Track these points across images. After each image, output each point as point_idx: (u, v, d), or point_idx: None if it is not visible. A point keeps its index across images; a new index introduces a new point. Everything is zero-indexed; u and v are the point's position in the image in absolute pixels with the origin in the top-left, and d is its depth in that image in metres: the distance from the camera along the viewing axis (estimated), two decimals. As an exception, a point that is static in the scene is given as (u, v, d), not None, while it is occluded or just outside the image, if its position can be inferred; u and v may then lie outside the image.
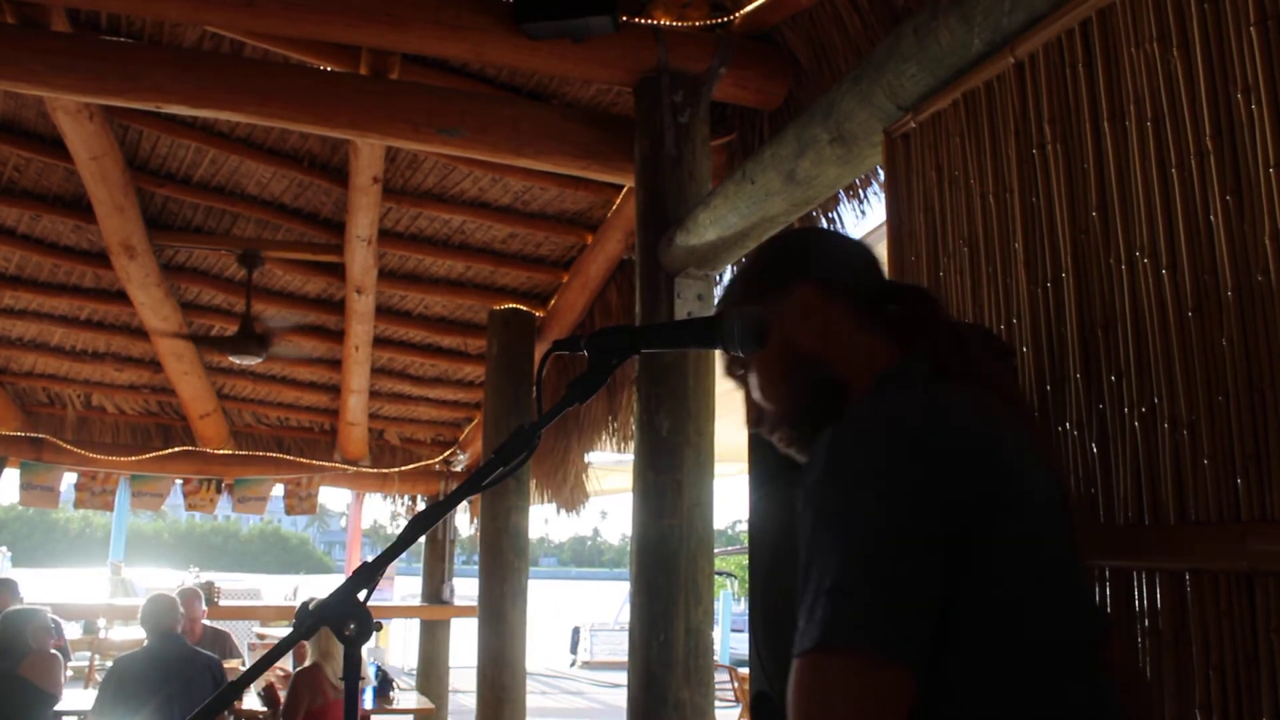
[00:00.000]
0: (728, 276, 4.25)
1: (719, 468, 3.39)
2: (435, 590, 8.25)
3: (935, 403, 1.05)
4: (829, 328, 1.18)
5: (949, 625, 0.93)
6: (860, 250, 1.30)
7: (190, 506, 7.87)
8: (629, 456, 4.63)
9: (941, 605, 0.93)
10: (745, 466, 1.92)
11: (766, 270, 1.25)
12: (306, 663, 4.68)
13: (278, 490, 7.91)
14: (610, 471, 7.32)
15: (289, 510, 7.99)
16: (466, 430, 7.95)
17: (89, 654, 8.99)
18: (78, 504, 7.68)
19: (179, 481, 7.73)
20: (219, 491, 7.78)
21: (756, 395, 1.23)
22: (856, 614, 0.90)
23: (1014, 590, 0.96)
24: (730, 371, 1.28)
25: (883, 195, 2.24)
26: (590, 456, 7.11)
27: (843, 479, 0.97)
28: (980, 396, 1.10)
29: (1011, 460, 1.02)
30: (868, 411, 1.05)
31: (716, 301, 1.32)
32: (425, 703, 6.21)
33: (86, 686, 7.71)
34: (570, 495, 7.22)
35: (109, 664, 5.20)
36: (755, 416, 1.25)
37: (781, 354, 1.19)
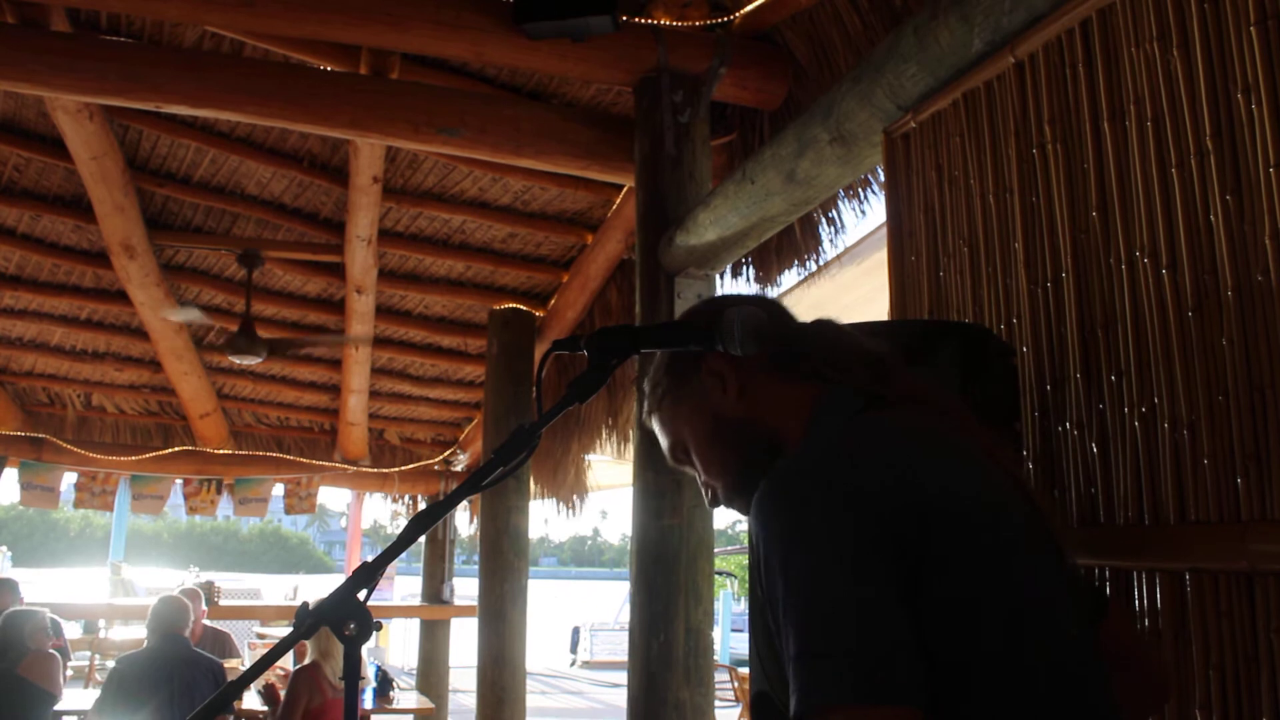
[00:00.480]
0: (737, 272, 4.26)
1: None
2: (435, 590, 8.25)
3: (857, 439, 1.04)
4: (747, 388, 1.19)
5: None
6: (756, 302, 1.28)
7: (191, 510, 7.86)
8: (628, 461, 4.63)
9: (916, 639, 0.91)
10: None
11: (675, 358, 1.25)
12: (306, 661, 4.68)
13: (278, 490, 7.91)
14: (611, 465, 7.31)
15: (289, 510, 7.99)
16: (466, 430, 7.95)
17: (89, 654, 9.00)
18: (78, 504, 7.67)
19: (179, 482, 7.72)
20: (219, 493, 7.78)
21: (703, 479, 1.25)
22: (832, 673, 0.88)
23: (986, 617, 0.94)
24: (675, 462, 1.29)
25: (883, 195, 2.24)
26: (590, 458, 7.11)
27: (781, 538, 0.96)
28: (908, 417, 1.08)
29: (950, 478, 1.00)
30: (791, 465, 1.04)
31: (643, 412, 1.32)
32: (425, 703, 6.21)
33: (86, 686, 7.72)
34: (570, 492, 7.22)
35: (109, 664, 5.20)
36: (711, 497, 1.26)
37: (712, 429, 1.21)
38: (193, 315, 6.09)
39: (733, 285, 4.21)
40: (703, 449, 1.23)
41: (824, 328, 1.24)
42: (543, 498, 7.31)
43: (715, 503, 1.26)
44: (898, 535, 0.93)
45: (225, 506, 7.97)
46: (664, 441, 1.29)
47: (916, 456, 1.01)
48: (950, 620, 0.93)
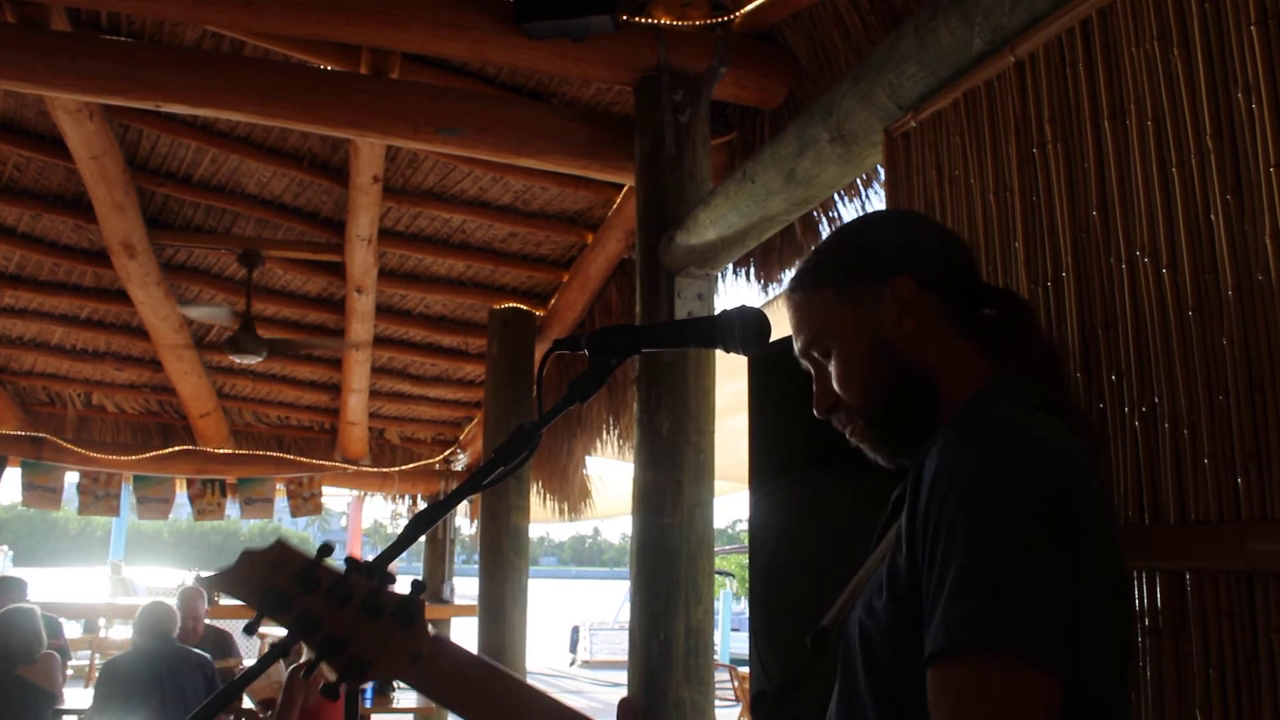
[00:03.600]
0: (737, 271, 4.25)
1: (721, 484, 3.39)
2: (435, 589, 8.26)
3: (1054, 436, 1.00)
4: (923, 328, 1.13)
5: None
6: (957, 244, 1.25)
7: (199, 514, 7.85)
8: (629, 465, 4.62)
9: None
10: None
11: (862, 256, 1.18)
12: (303, 660, 4.68)
13: (283, 491, 7.90)
14: (613, 477, 7.30)
15: (295, 512, 7.97)
16: (467, 430, 7.95)
17: (89, 653, 9.00)
18: (81, 509, 7.64)
19: (183, 489, 7.70)
20: (224, 495, 7.77)
21: (836, 384, 1.17)
22: (1009, 614, 0.85)
23: (1102, 612, 0.95)
24: (804, 354, 1.21)
25: (883, 195, 2.24)
26: (592, 464, 7.10)
27: (997, 474, 0.92)
28: (1078, 432, 1.06)
29: (1104, 520, 1.00)
30: (992, 422, 1.00)
31: (798, 275, 1.23)
32: (426, 702, 6.21)
33: (86, 686, 7.72)
34: (574, 500, 7.22)
35: (106, 662, 5.20)
36: (828, 404, 1.19)
37: (871, 348, 1.14)
38: (211, 313, 6.07)
39: (733, 285, 4.21)
40: (850, 364, 1.15)
41: (1014, 300, 1.20)
42: (544, 505, 7.30)
43: (829, 412, 1.19)
44: (1070, 517, 0.92)
45: (231, 508, 7.96)
46: (801, 331, 1.21)
47: (1083, 472, 0.98)
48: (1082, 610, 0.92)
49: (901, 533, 0.98)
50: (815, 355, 1.19)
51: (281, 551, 1.05)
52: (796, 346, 1.21)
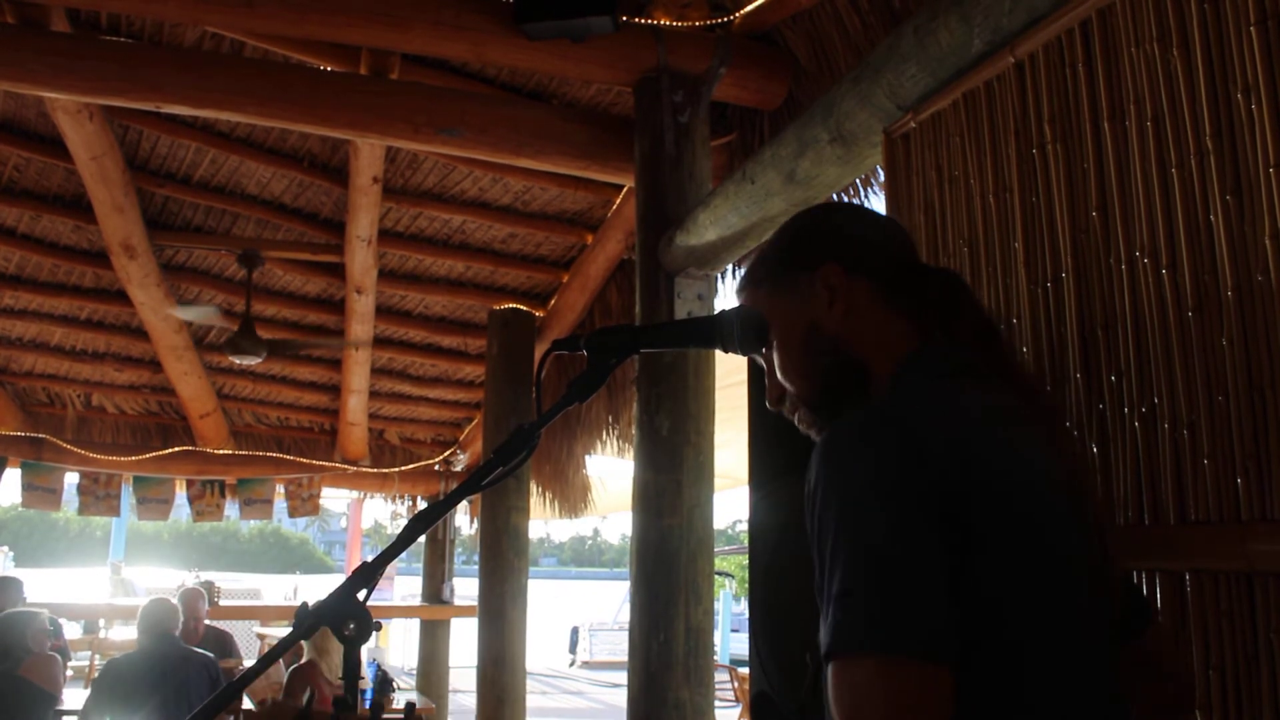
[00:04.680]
0: (737, 271, 4.25)
1: (720, 482, 3.39)
2: (435, 590, 8.25)
3: (944, 402, 1.03)
4: (852, 310, 1.16)
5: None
6: (888, 227, 1.27)
7: (198, 516, 7.84)
8: (629, 466, 4.62)
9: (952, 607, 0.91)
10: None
11: (791, 249, 1.22)
12: (303, 660, 4.68)
13: (283, 492, 7.89)
14: (613, 478, 7.30)
15: (292, 513, 7.97)
16: (466, 430, 7.95)
17: (89, 654, 8.99)
18: (82, 510, 7.63)
19: (183, 490, 7.70)
20: (223, 496, 7.76)
21: (779, 375, 1.21)
22: (867, 617, 0.88)
23: (1011, 604, 0.95)
24: (754, 350, 1.25)
25: (883, 195, 2.24)
26: (592, 464, 7.10)
27: (845, 481, 0.96)
28: (998, 395, 1.07)
29: (1006, 462, 1.00)
30: (873, 412, 1.03)
31: (740, 277, 1.27)
32: (425, 703, 6.21)
33: (87, 686, 7.72)
34: (573, 501, 7.22)
35: (107, 662, 5.20)
36: (776, 396, 1.23)
37: (804, 336, 1.18)
38: (200, 313, 6.07)
39: (733, 286, 4.21)
40: (788, 353, 1.20)
41: (951, 278, 1.22)
42: (544, 506, 7.29)
43: (777, 403, 1.23)
44: (947, 508, 0.93)
45: (230, 509, 7.96)
46: None
47: (981, 435, 1.01)
48: (979, 601, 0.93)
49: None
50: (763, 350, 1.23)
51: (274, 710, 1.10)
52: (744, 346, 1.24)
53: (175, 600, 5.14)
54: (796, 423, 1.22)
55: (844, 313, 1.16)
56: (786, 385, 1.21)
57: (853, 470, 0.96)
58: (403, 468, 8.02)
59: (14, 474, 7.22)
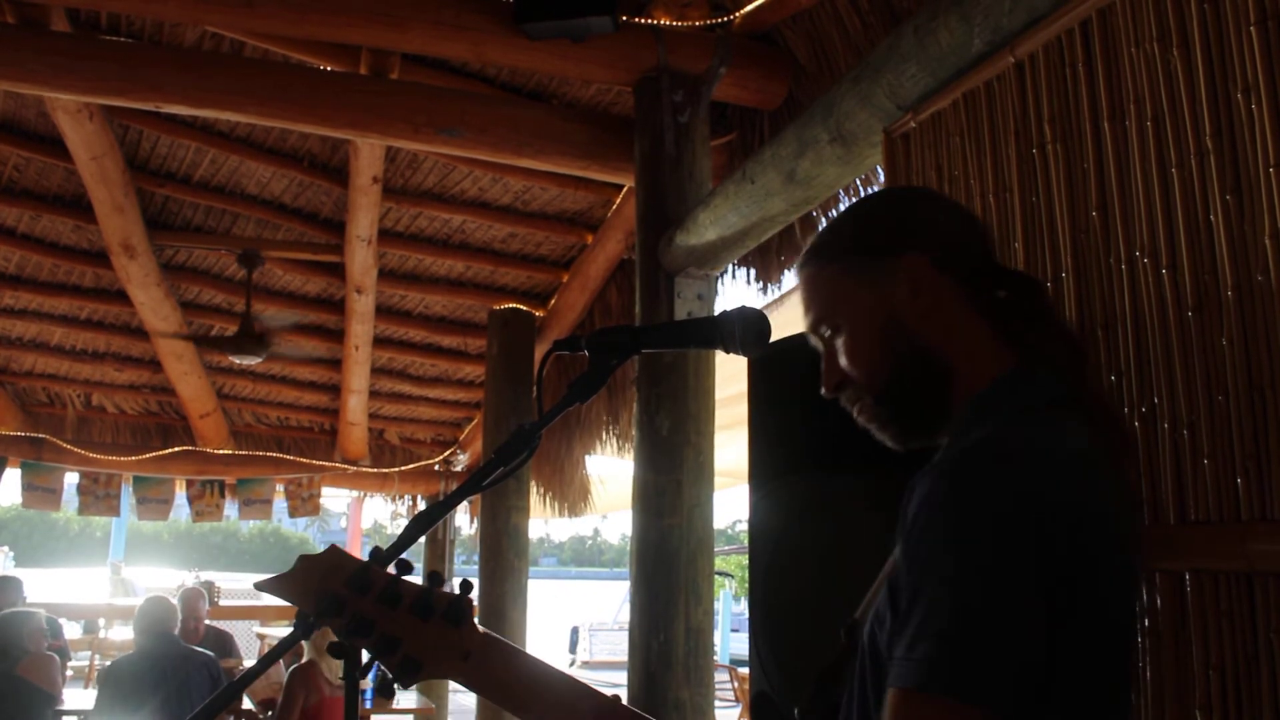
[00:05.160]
0: (737, 271, 4.25)
1: (720, 480, 3.39)
2: (435, 590, 8.24)
3: (1056, 448, 0.99)
4: (938, 307, 1.10)
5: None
6: (973, 221, 1.21)
7: (198, 516, 7.84)
8: (629, 466, 4.61)
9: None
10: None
11: (875, 231, 1.15)
12: (303, 660, 4.68)
13: (282, 492, 7.89)
14: (613, 478, 7.30)
15: (292, 513, 7.97)
16: (466, 430, 7.95)
17: (89, 654, 8.99)
18: (82, 510, 7.63)
19: (182, 490, 7.70)
20: (223, 496, 7.76)
21: (844, 361, 1.13)
22: (966, 665, 0.86)
23: (1071, 679, 0.94)
24: (813, 330, 1.17)
25: (883, 195, 2.24)
26: (592, 464, 7.10)
27: (973, 514, 0.92)
28: (1090, 435, 1.02)
29: (1120, 530, 0.98)
30: (987, 455, 0.98)
31: (806, 251, 1.19)
32: (425, 703, 6.21)
33: (87, 686, 7.71)
34: (573, 501, 7.22)
35: (109, 664, 5.20)
36: (835, 382, 1.15)
37: (882, 327, 1.11)
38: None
39: (733, 285, 4.22)
40: (859, 341, 1.12)
41: (1030, 283, 1.16)
42: (545, 505, 7.29)
43: (836, 390, 1.15)
44: (1058, 571, 0.91)
45: (230, 509, 7.95)
46: (810, 307, 1.17)
47: (1084, 490, 0.97)
48: (1077, 651, 0.92)
49: (899, 548, 0.98)
50: (824, 332, 1.16)
51: (335, 556, 1.09)
52: (805, 322, 1.18)
53: (174, 600, 5.14)
54: (856, 415, 1.16)
55: (928, 309, 1.10)
56: (852, 373, 1.13)
57: (983, 506, 0.92)
58: (403, 468, 8.02)
59: (14, 474, 7.22)
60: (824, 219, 3.86)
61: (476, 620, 1.10)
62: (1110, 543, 0.96)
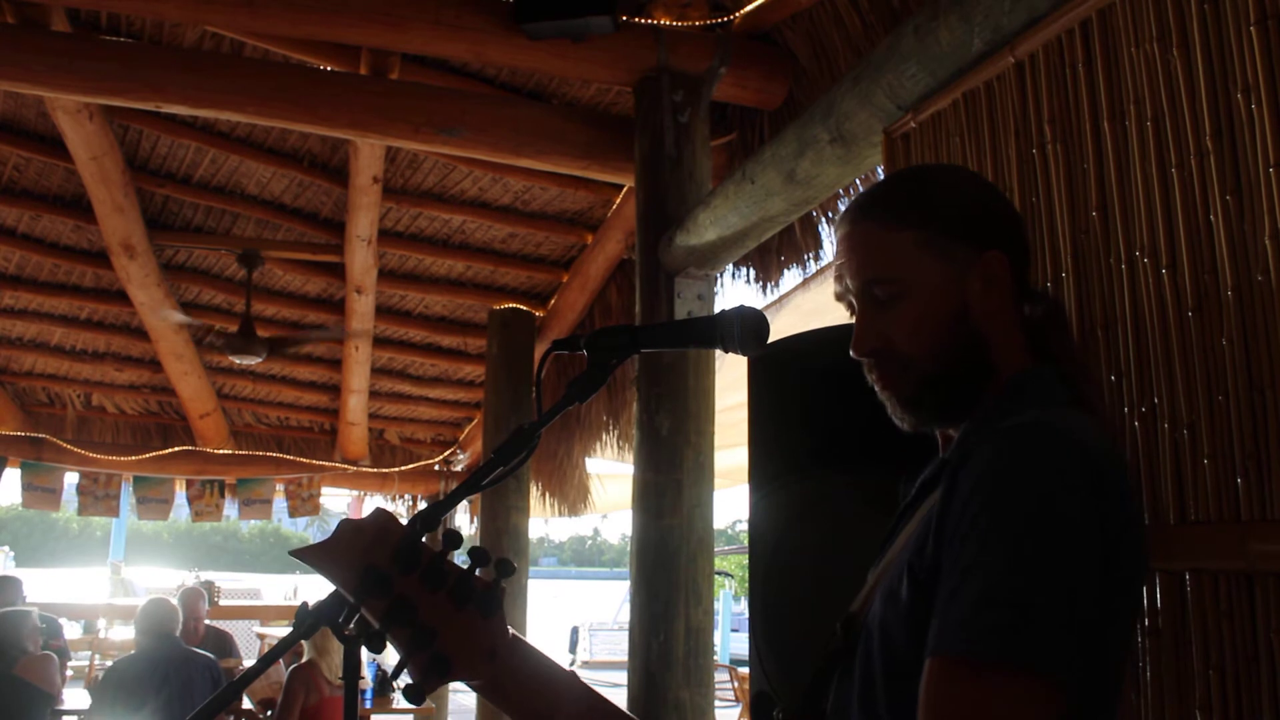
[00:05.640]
0: (737, 272, 4.25)
1: (720, 480, 3.39)
2: (435, 590, 8.24)
3: (1085, 429, 1.00)
4: (1003, 309, 1.11)
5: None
6: (1023, 226, 1.20)
7: (197, 516, 7.84)
8: (629, 466, 4.61)
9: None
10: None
11: (972, 216, 1.12)
12: (303, 660, 4.68)
13: (282, 492, 7.89)
14: (613, 478, 7.30)
15: (292, 513, 7.97)
16: (466, 430, 7.95)
17: (89, 654, 8.99)
18: (81, 510, 7.63)
19: (182, 490, 7.70)
20: (222, 496, 7.76)
21: (901, 331, 1.10)
22: (1039, 632, 0.85)
23: (1117, 629, 0.95)
24: (862, 288, 1.12)
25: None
26: (592, 464, 7.10)
27: (1036, 491, 0.91)
28: (1104, 424, 1.06)
29: (1131, 501, 1.00)
30: (1050, 429, 0.98)
31: (870, 198, 1.15)
32: (425, 703, 6.20)
33: (86, 686, 7.71)
34: (573, 501, 7.22)
35: (109, 664, 5.20)
36: (872, 347, 1.12)
37: (952, 314, 1.09)
38: (181, 318, 6.09)
39: (733, 285, 4.22)
40: (927, 318, 1.09)
41: (1054, 303, 1.18)
42: (545, 505, 7.29)
43: (867, 354, 1.12)
44: (1108, 534, 0.92)
45: (230, 509, 7.96)
46: (866, 264, 1.11)
47: (1119, 468, 0.99)
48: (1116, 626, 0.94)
49: (932, 523, 0.97)
50: (876, 291, 1.11)
51: (384, 521, 0.97)
52: (849, 278, 1.13)
53: (175, 600, 5.14)
54: (878, 387, 1.14)
55: (996, 309, 1.10)
56: (906, 346, 1.10)
57: (1048, 481, 0.91)
58: (403, 468, 8.03)
59: (14, 474, 7.22)
60: (824, 219, 3.86)
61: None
62: (1141, 527, 0.98)
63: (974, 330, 1.10)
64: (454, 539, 0.98)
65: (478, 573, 0.98)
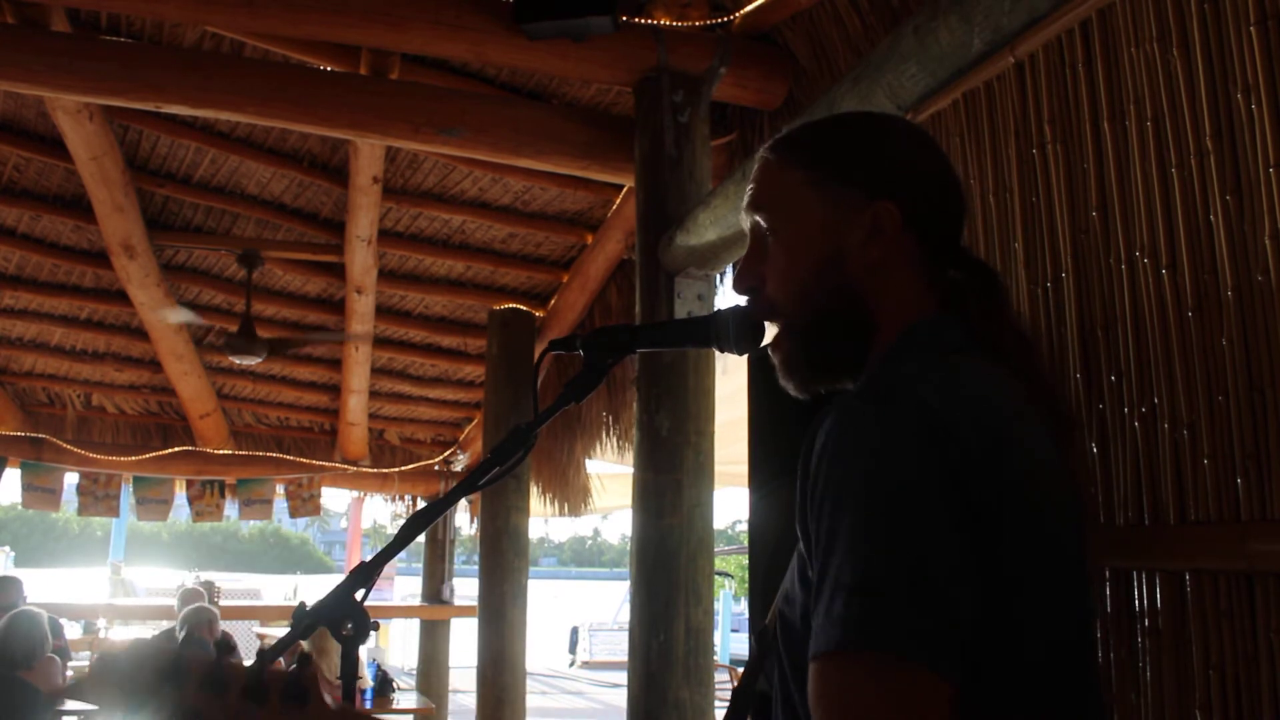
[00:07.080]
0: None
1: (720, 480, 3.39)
2: (435, 590, 8.25)
3: (955, 380, 0.92)
4: (885, 264, 1.03)
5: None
6: (957, 190, 1.12)
7: (198, 516, 7.84)
8: (629, 466, 4.61)
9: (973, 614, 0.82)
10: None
11: (860, 163, 1.06)
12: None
13: (282, 493, 7.89)
14: (613, 478, 7.31)
15: (293, 513, 7.97)
16: (466, 430, 7.95)
17: (89, 654, 8.99)
18: (81, 510, 7.62)
19: (182, 491, 7.69)
20: (223, 496, 7.76)
21: (769, 271, 1.07)
22: (887, 614, 0.79)
23: (1024, 598, 0.87)
24: (748, 211, 1.09)
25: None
26: (592, 464, 7.10)
27: (866, 461, 0.85)
28: (1005, 380, 0.96)
29: (1028, 455, 0.92)
30: (886, 389, 0.91)
31: (786, 133, 1.13)
32: (425, 703, 6.21)
33: (86, 686, 7.71)
34: (573, 501, 7.22)
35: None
36: (748, 285, 1.09)
37: (821, 258, 1.03)
38: (188, 316, 6.10)
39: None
40: (794, 260, 1.05)
41: (991, 274, 1.08)
42: (545, 505, 7.29)
43: (747, 293, 1.09)
44: (971, 498, 0.85)
45: (230, 509, 7.96)
46: (758, 193, 1.09)
47: (1001, 421, 0.91)
48: (996, 601, 0.85)
49: (796, 509, 0.91)
50: (759, 223, 1.09)
51: (142, 647, 0.94)
52: (745, 200, 1.11)
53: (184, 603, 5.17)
54: (771, 351, 1.10)
55: (876, 261, 1.03)
56: (772, 288, 1.07)
57: (877, 450, 0.85)
58: (403, 468, 8.02)
59: (14, 474, 7.22)
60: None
61: (328, 698, 0.97)
62: (1037, 482, 0.90)
63: (847, 282, 1.03)
64: (224, 646, 0.97)
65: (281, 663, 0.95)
